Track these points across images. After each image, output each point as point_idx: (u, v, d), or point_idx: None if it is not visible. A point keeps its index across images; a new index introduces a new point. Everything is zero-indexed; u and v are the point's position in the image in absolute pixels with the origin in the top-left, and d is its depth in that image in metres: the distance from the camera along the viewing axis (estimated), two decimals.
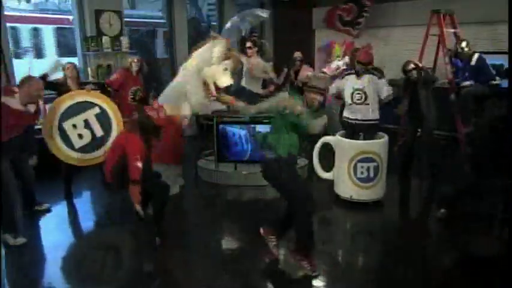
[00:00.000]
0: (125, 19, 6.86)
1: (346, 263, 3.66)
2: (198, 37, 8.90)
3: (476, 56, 5.78)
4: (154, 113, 3.64)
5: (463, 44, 5.88)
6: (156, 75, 8.37)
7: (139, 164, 3.51)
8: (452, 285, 3.24)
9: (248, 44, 5.82)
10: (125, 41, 6.55)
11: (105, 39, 6.31)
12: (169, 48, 7.88)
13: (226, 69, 4.13)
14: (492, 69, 5.86)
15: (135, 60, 5.44)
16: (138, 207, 3.58)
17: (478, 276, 3.29)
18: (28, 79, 3.80)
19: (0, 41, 5.32)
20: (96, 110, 4.66)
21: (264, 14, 6.39)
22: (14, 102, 3.67)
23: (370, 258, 3.72)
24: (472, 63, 5.78)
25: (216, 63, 4.09)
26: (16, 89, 3.75)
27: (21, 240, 3.74)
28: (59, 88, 4.73)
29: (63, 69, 4.84)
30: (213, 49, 4.12)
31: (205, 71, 4.10)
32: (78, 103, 4.60)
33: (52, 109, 4.50)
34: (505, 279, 3.03)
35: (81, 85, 4.91)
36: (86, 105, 4.64)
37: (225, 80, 4.13)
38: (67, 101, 4.57)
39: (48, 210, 4.54)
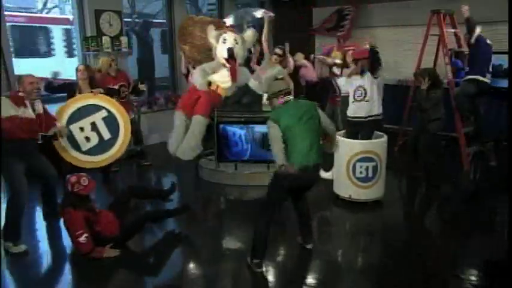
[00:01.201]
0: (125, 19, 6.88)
1: (345, 262, 3.66)
2: None
3: (477, 30, 5.61)
4: (77, 185, 3.57)
5: (478, 29, 5.72)
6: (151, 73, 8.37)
7: (83, 239, 3.46)
8: (452, 284, 3.25)
9: (279, 52, 5.78)
10: (124, 40, 6.56)
11: (105, 39, 6.31)
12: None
13: (224, 41, 4.05)
14: (489, 60, 5.78)
15: (112, 60, 5.65)
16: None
17: (478, 276, 3.30)
18: (21, 77, 3.87)
19: (0, 41, 5.32)
20: (104, 113, 4.69)
21: (264, 15, 6.30)
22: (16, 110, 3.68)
23: (369, 258, 3.72)
24: (472, 41, 5.68)
25: (214, 43, 4.08)
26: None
27: (22, 247, 3.69)
28: (69, 89, 4.72)
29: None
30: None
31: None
32: (85, 106, 4.62)
33: (59, 112, 4.51)
34: (505, 279, 3.03)
35: (94, 87, 4.90)
36: (93, 108, 4.66)
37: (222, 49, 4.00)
38: (74, 104, 4.58)
39: None
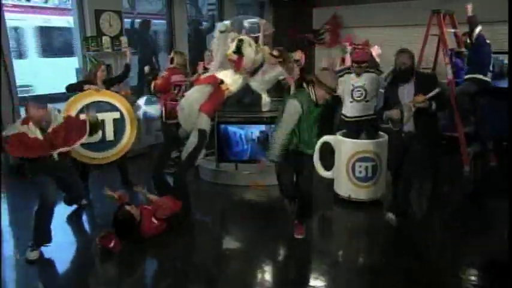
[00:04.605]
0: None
1: (344, 262, 3.67)
2: (197, 38, 8.88)
3: (478, 29, 5.62)
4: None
5: (478, 29, 5.72)
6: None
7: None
8: (452, 284, 3.25)
9: (276, 54, 5.68)
10: (124, 40, 6.57)
11: (105, 39, 6.31)
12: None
13: (232, 40, 4.18)
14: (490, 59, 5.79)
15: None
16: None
17: (478, 276, 3.30)
18: (32, 106, 3.64)
19: (0, 41, 5.31)
20: (117, 115, 4.70)
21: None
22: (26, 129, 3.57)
23: (368, 258, 3.72)
24: (473, 40, 5.67)
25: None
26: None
27: (34, 255, 3.56)
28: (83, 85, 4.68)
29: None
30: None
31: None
32: (103, 102, 4.63)
33: (75, 99, 4.50)
34: (505, 279, 3.03)
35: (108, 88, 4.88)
36: (110, 107, 4.67)
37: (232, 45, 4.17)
38: (92, 97, 4.58)
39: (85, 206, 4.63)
